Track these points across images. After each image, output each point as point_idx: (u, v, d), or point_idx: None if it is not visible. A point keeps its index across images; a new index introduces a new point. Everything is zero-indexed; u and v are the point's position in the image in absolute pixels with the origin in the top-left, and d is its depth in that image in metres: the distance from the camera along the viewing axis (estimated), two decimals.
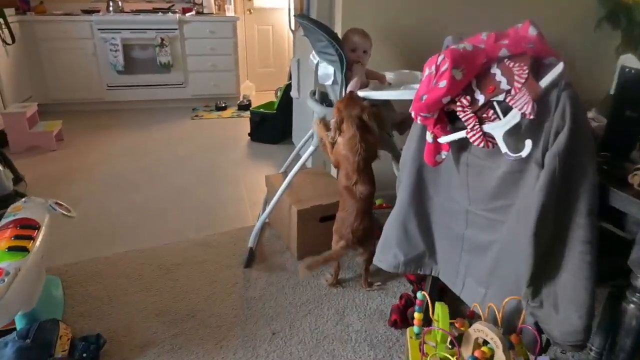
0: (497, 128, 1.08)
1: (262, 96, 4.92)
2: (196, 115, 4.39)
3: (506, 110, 1.09)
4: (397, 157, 1.98)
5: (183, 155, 3.40)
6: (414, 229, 1.49)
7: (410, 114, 2.12)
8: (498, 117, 1.10)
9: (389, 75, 2.11)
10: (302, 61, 3.06)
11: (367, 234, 1.80)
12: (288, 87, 3.57)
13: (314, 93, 2.12)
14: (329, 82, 1.88)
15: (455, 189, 1.38)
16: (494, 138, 1.10)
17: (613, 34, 2.52)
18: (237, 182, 2.95)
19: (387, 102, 1.92)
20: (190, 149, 3.53)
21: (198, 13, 4.60)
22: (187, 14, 4.47)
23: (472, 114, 1.12)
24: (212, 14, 4.63)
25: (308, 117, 2.91)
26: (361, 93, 1.80)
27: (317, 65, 1.94)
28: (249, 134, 3.76)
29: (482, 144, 1.11)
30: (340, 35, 1.95)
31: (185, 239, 2.27)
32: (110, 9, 4.43)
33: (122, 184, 2.89)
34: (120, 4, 4.51)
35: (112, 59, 4.29)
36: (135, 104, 4.55)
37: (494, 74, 1.11)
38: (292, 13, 3.05)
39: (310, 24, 1.79)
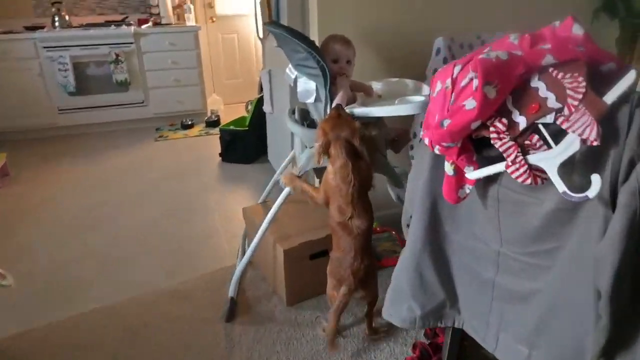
0: (548, 159, 0.83)
1: (231, 110, 4.64)
2: (160, 136, 4.06)
3: (556, 134, 0.85)
4: (393, 178, 1.73)
5: (148, 183, 3.07)
6: (431, 276, 1.23)
7: (406, 130, 1.88)
8: (546, 144, 0.85)
9: (376, 86, 1.87)
10: (273, 73, 2.79)
11: (369, 273, 1.55)
12: (260, 101, 3.29)
13: (293, 111, 1.85)
14: (311, 100, 1.61)
15: (481, 227, 1.14)
16: (543, 172, 0.85)
17: (611, 24, 2.34)
18: (211, 211, 2.65)
19: (379, 118, 1.67)
20: (155, 175, 3.20)
21: (155, 24, 4.27)
22: (143, 26, 4.13)
23: (512, 142, 0.87)
24: (171, 24, 4.29)
25: (285, 133, 2.64)
26: (350, 110, 1.54)
27: (295, 80, 1.67)
28: (220, 154, 3.46)
29: (529, 181, 0.86)
30: (318, 44, 1.70)
31: (154, 289, 1.96)
32: (56, 24, 4.05)
33: (78, 224, 2.55)
34: (67, 18, 4.13)
35: (61, 79, 3.91)
36: (91, 127, 4.18)
37: (536, 89, 0.86)
38: (260, 20, 2.78)
39: (285, 33, 1.52)
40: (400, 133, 1.80)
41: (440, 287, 1.24)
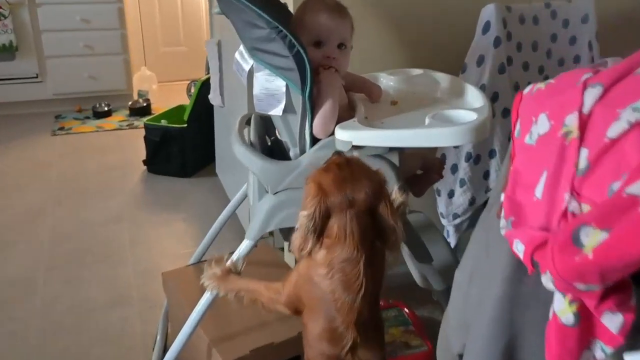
0: None
1: (168, 91, 4.41)
2: (60, 128, 3.81)
3: None
4: (417, 251, 1.32)
5: (30, 208, 2.70)
6: None
7: (438, 161, 1.50)
8: None
9: (386, 82, 1.51)
10: (225, 45, 2.43)
11: None
12: (205, 85, 2.94)
13: (247, 121, 1.45)
14: (278, 112, 1.21)
15: None
16: None
17: None
18: (122, 261, 2.28)
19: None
20: (44, 194, 2.85)
21: None
22: None
23: None
24: None
25: None
26: (342, 134, 1.13)
27: (248, 73, 1.27)
28: (145, 162, 3.14)
29: None
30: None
31: None
32: None
33: None
34: None
35: None
36: None
37: None
38: None
39: None
40: (427, 164, 1.41)
41: None
